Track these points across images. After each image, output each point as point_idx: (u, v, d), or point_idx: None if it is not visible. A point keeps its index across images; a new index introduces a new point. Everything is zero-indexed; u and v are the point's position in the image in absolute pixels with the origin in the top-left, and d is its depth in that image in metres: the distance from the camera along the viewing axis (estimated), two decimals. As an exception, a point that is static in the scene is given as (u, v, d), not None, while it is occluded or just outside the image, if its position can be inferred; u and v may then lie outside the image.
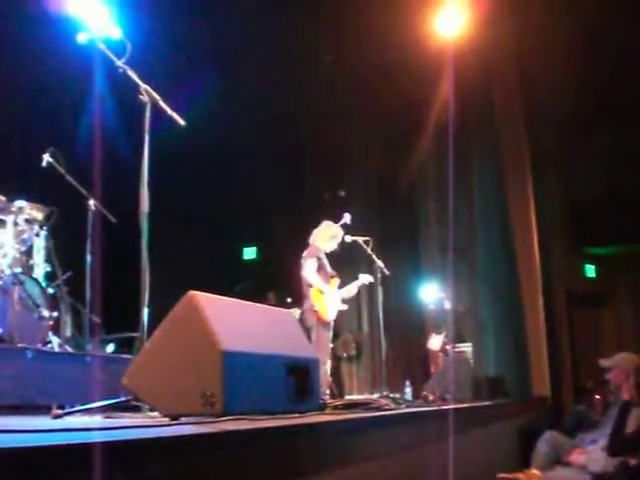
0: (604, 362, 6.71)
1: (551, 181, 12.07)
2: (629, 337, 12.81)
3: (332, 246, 7.77)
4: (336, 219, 7.85)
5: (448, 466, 4.62)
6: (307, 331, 7.48)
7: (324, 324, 7.51)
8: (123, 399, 3.36)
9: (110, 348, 8.30)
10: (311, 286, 7.52)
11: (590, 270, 13.61)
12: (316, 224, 7.88)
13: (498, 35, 10.01)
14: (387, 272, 7.80)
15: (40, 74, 8.28)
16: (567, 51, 10.12)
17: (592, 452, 6.12)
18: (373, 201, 13.25)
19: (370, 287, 8.30)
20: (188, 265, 11.65)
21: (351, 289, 7.90)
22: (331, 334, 7.69)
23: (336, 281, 7.75)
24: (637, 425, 5.89)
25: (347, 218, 7.88)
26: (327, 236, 7.73)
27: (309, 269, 7.53)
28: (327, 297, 7.55)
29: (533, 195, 11.15)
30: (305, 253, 7.66)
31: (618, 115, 11.40)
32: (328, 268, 7.73)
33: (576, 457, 6.24)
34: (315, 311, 7.44)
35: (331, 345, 7.90)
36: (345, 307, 7.87)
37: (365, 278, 7.96)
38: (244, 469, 2.53)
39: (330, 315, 7.58)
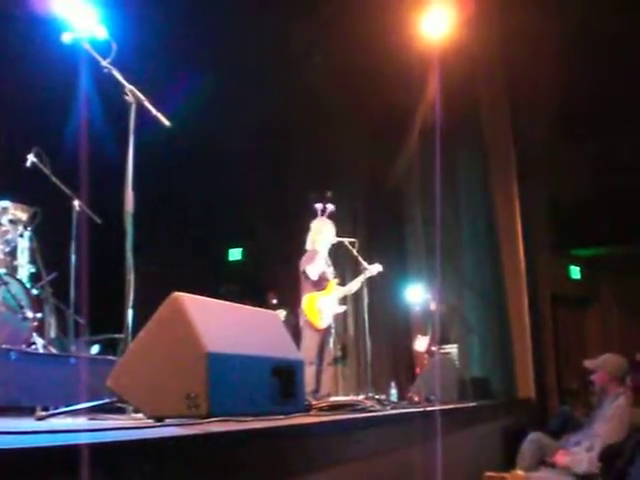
0: (589, 363, 6.73)
1: (536, 183, 12.10)
2: (614, 338, 12.88)
3: (325, 241, 7.63)
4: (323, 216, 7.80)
5: (433, 467, 4.63)
6: (300, 330, 7.45)
7: (315, 329, 7.47)
8: (108, 401, 3.35)
9: (95, 349, 8.26)
10: (309, 291, 7.46)
11: (575, 272, 13.68)
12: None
13: (484, 36, 10.03)
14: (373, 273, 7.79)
15: (24, 74, 8.23)
16: (553, 52, 10.16)
17: (576, 453, 6.15)
18: (359, 202, 13.24)
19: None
20: (173, 266, 11.63)
21: (354, 285, 7.80)
22: (321, 338, 7.56)
23: (334, 284, 7.70)
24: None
25: (329, 206, 7.83)
26: (314, 234, 7.69)
27: (311, 267, 7.45)
28: (322, 304, 7.49)
29: (518, 197, 11.18)
30: (303, 259, 7.60)
31: (604, 117, 11.46)
32: (327, 271, 7.69)
33: (560, 458, 6.26)
34: (306, 320, 7.39)
35: (331, 347, 7.77)
36: (344, 308, 7.82)
37: (374, 269, 7.78)
38: (229, 471, 2.53)
39: (322, 323, 7.45)
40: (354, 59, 10.39)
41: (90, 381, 4.43)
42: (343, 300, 7.86)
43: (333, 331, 7.71)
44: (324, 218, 7.76)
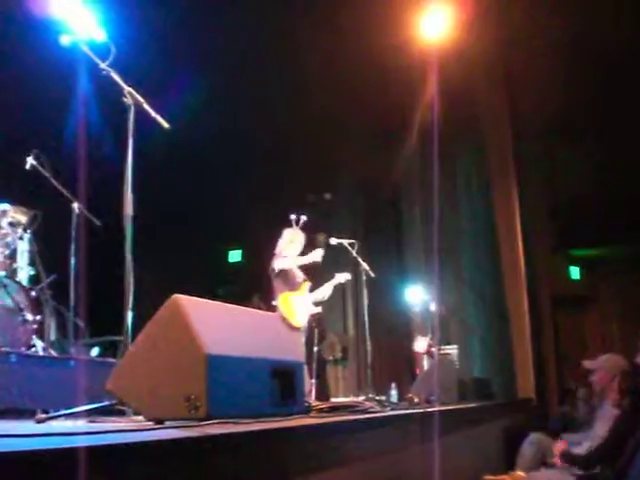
0: (588, 364, 6.70)
1: (535, 183, 12.12)
2: (613, 338, 12.87)
3: (294, 250, 7.76)
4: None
5: (433, 468, 4.62)
6: None
7: (292, 328, 7.46)
8: (107, 403, 3.34)
9: (94, 352, 8.25)
10: (281, 291, 7.51)
11: (574, 272, 13.67)
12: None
13: (482, 38, 10.03)
14: (372, 275, 7.77)
15: (24, 76, 8.24)
16: (551, 54, 10.17)
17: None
18: (358, 203, 13.27)
19: (356, 290, 8.27)
20: (173, 268, 11.63)
21: (326, 290, 7.86)
22: (304, 338, 7.61)
23: (307, 285, 7.73)
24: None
25: (303, 217, 7.88)
26: (286, 242, 7.75)
27: (281, 265, 7.53)
28: (296, 303, 7.52)
29: (518, 197, 11.19)
30: (273, 260, 7.65)
31: (602, 118, 11.45)
32: (298, 274, 7.72)
33: (559, 447, 6.22)
34: (283, 318, 7.39)
35: (315, 348, 7.87)
36: (318, 310, 7.83)
37: (342, 277, 7.91)
38: (228, 473, 2.52)
39: (299, 321, 7.52)
40: (353, 60, 10.39)
41: (90, 383, 4.42)
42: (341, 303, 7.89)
43: (305, 332, 7.76)
44: (297, 229, 7.81)
